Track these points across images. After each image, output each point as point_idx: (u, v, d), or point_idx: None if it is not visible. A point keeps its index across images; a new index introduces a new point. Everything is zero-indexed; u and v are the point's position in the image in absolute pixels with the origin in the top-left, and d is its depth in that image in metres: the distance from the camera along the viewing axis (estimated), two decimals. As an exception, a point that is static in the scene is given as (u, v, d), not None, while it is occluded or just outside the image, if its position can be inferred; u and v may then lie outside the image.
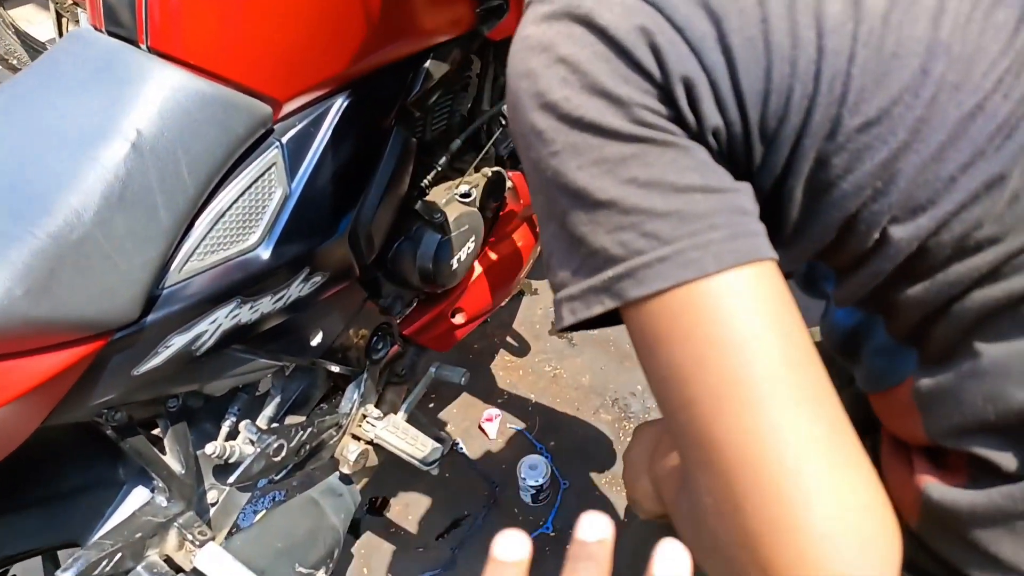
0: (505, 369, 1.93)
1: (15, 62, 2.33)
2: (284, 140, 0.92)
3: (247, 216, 0.90)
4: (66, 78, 0.83)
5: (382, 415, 1.28)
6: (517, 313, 2.03)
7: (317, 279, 1.01)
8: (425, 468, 1.24)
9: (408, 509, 1.68)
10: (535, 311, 2.03)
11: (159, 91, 0.80)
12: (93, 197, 0.75)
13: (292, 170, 0.93)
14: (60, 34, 2.22)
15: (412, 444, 1.23)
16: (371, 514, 1.66)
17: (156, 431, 1.00)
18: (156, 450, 0.97)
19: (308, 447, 1.15)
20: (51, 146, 0.77)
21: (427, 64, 1.06)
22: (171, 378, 0.90)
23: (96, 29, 0.88)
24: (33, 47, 2.40)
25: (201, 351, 0.90)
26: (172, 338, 0.86)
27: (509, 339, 1.98)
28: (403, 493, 1.70)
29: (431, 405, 1.81)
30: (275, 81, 0.90)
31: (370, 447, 1.28)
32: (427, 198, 1.25)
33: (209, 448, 1.03)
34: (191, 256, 0.86)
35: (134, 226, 0.78)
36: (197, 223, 0.86)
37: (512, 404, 1.85)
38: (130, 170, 0.77)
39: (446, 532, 1.63)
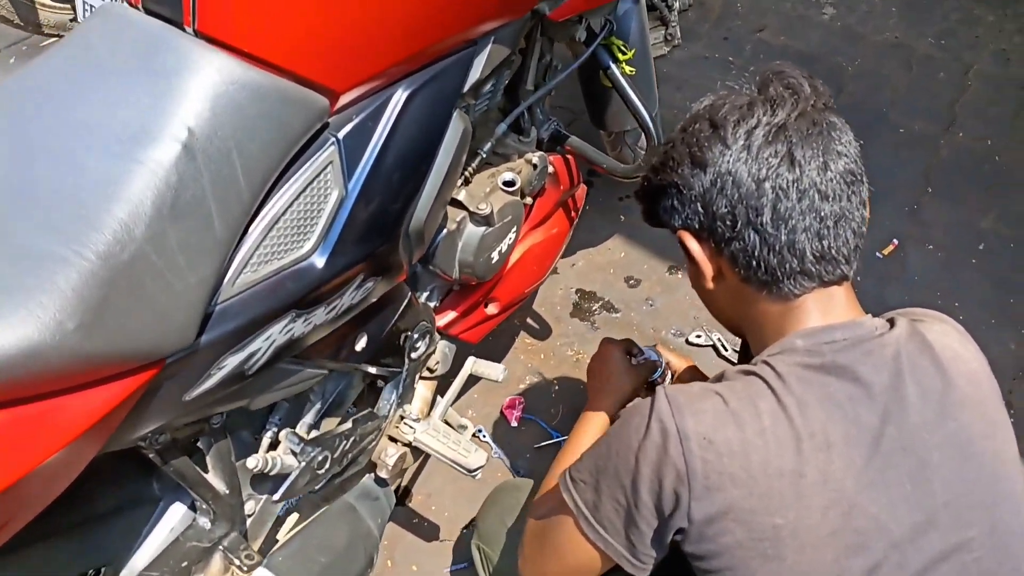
0: (527, 352, 1.88)
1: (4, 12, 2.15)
2: (341, 136, 0.83)
3: (302, 221, 0.82)
4: (102, 64, 0.72)
5: (420, 416, 1.22)
6: (537, 294, 1.96)
7: (370, 285, 0.94)
8: (468, 474, 1.18)
9: (431, 499, 1.63)
10: (555, 292, 1.97)
11: (210, 83, 0.71)
12: (144, 208, 0.66)
13: (349, 169, 0.85)
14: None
15: (455, 449, 1.17)
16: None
17: (197, 444, 0.92)
18: (199, 469, 0.90)
19: (350, 455, 1.09)
20: (91, 146, 0.68)
21: (488, 48, 0.97)
22: (221, 399, 0.83)
23: (130, 5, 0.77)
24: None
25: (253, 370, 0.82)
26: (226, 359, 0.78)
27: (530, 320, 1.92)
28: (425, 482, 1.65)
29: (438, 382, 1.74)
30: (333, 70, 0.81)
31: (408, 449, 1.22)
32: (470, 187, 1.18)
33: (251, 462, 0.96)
34: (244, 268, 0.77)
35: (188, 239, 0.69)
36: (250, 230, 0.77)
37: (535, 390, 1.80)
38: (182, 176, 0.68)
39: (472, 523, 1.58)
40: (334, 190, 0.84)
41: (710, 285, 0.83)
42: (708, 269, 0.82)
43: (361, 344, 1.03)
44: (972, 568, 0.71)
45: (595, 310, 1.95)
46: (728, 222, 0.77)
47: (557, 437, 1.70)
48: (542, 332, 1.91)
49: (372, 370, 1.11)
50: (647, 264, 2.04)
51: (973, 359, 0.79)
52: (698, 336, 1.87)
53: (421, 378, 1.33)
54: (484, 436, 1.71)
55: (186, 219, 0.69)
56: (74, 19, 2.33)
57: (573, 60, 1.40)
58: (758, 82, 0.82)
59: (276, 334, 0.82)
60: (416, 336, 1.17)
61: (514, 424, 1.73)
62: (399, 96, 0.87)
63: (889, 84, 2.48)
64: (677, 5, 1.57)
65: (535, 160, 1.28)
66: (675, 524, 0.73)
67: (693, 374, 1.34)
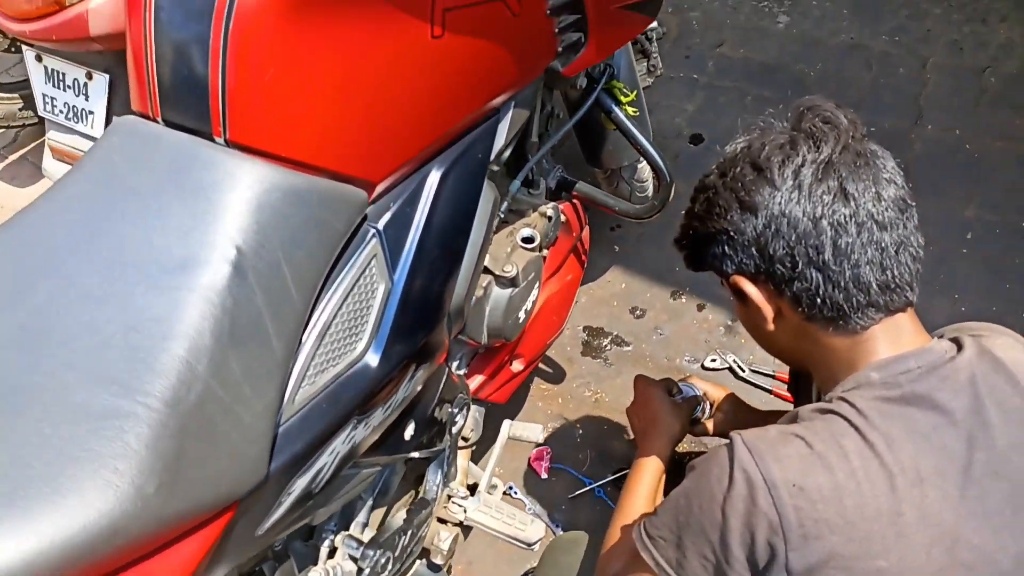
0: (544, 399, 1.84)
1: None
2: (381, 226, 0.80)
3: (353, 321, 0.78)
4: (131, 187, 0.68)
5: (466, 492, 1.17)
6: (546, 337, 1.92)
7: (420, 374, 0.90)
8: (527, 548, 1.13)
9: (472, 568, 1.57)
10: (563, 333, 1.93)
11: (251, 194, 0.67)
12: (203, 340, 0.61)
13: (392, 259, 0.81)
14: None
15: (510, 524, 1.13)
16: (433, 579, 1.54)
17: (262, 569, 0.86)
18: (265, 598, 0.84)
19: (409, 549, 1.03)
20: (135, 281, 0.63)
21: (510, 113, 0.95)
22: (289, 524, 0.77)
23: (147, 118, 0.72)
24: None
25: (320, 487, 0.77)
26: (295, 483, 0.73)
27: (543, 366, 1.88)
28: (463, 550, 1.58)
29: (474, 449, 1.69)
30: (368, 161, 0.77)
31: (459, 529, 1.17)
32: (491, 249, 1.14)
33: (313, 575, 0.90)
34: (303, 382, 0.73)
35: (250, 364, 0.65)
36: (304, 341, 0.73)
37: (559, 437, 1.76)
38: (236, 298, 0.64)
39: (518, 586, 1.53)
40: (380, 283, 0.80)
41: (770, 327, 0.82)
42: (768, 312, 0.80)
43: (409, 432, 0.98)
44: None
45: (606, 346, 1.93)
46: (788, 264, 0.76)
47: (590, 484, 1.66)
48: (557, 376, 1.87)
49: (417, 454, 1.06)
50: (649, 292, 2.03)
51: None
52: (713, 360, 1.85)
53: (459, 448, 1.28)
54: (515, 493, 1.66)
55: (246, 344, 0.64)
56: (24, 108, 2.26)
57: (567, 104, 1.39)
58: (791, 118, 0.81)
59: (340, 445, 0.78)
60: (456, 411, 1.13)
61: (544, 476, 1.68)
62: (433, 177, 0.84)
63: (853, 85, 2.52)
64: (655, 35, 1.57)
65: (549, 212, 1.26)
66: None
67: (733, 403, 1.32)
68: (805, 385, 1.06)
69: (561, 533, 1.55)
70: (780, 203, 0.75)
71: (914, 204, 0.78)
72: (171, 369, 0.59)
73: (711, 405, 1.30)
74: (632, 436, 1.26)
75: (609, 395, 1.82)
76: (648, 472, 1.09)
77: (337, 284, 0.75)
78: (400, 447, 0.98)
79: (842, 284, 0.74)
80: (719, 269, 0.83)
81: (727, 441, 0.75)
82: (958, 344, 0.78)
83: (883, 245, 0.74)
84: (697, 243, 0.86)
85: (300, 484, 0.73)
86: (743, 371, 1.82)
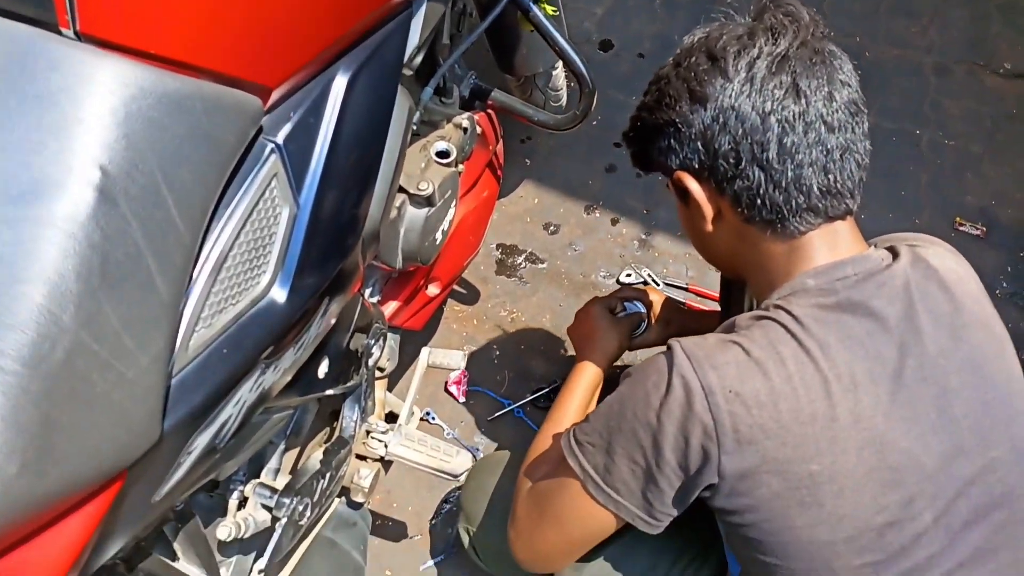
0: (459, 321, 1.78)
1: None
2: (280, 140, 0.69)
3: (254, 252, 0.68)
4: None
5: (387, 427, 1.11)
6: (458, 257, 1.86)
7: (334, 307, 0.81)
8: (453, 479, 1.09)
9: (391, 496, 1.53)
10: (479, 251, 1.86)
11: (114, 100, 0.54)
12: (66, 284, 0.50)
13: (297, 178, 0.71)
14: None
15: (434, 456, 1.08)
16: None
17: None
18: (169, 562, 0.75)
19: (329, 492, 0.97)
20: (-30, 213, 0.50)
21: (424, 7, 0.83)
22: (192, 483, 0.68)
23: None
24: None
25: (225, 441, 0.68)
26: (195, 440, 0.64)
27: (456, 287, 1.81)
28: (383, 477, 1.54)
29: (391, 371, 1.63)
30: (261, 61, 0.65)
31: (380, 465, 1.12)
32: (405, 165, 1.04)
33: (223, 531, 0.83)
34: (197, 325, 0.63)
35: (129, 310, 0.54)
36: (196, 278, 0.62)
37: (475, 359, 1.72)
38: (106, 231, 0.53)
39: (437, 513, 1.51)
40: (283, 207, 0.70)
41: (709, 228, 0.81)
42: (708, 210, 0.80)
43: (323, 369, 0.90)
44: (997, 487, 0.74)
45: (520, 264, 1.88)
46: (731, 160, 0.75)
47: (508, 405, 1.64)
48: (470, 297, 1.82)
49: (332, 391, 0.98)
50: (562, 207, 1.98)
51: (971, 278, 0.81)
52: (628, 275, 1.85)
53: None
54: (433, 418, 1.62)
55: (122, 285, 0.54)
56: None
57: (478, 2, 1.27)
58: (753, 10, 0.78)
59: (246, 393, 0.69)
60: (371, 342, 1.05)
61: (462, 400, 1.66)
62: (340, 81, 0.73)
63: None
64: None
65: (464, 123, 1.17)
66: (703, 481, 0.73)
67: (670, 308, 1.32)
68: (737, 296, 1.08)
69: (483, 456, 1.55)
70: (731, 95, 0.73)
71: (867, 111, 0.77)
72: (28, 321, 0.48)
73: (651, 314, 1.30)
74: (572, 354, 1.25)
75: (525, 314, 1.80)
76: (581, 384, 1.09)
77: (232, 209, 0.65)
78: (314, 386, 0.90)
79: (783, 184, 0.73)
80: (664, 166, 0.82)
81: (665, 348, 0.75)
82: (893, 252, 0.78)
83: (829, 147, 0.73)
84: (645, 136, 0.83)
85: (202, 441, 0.64)
86: (658, 285, 1.82)
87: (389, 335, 1.24)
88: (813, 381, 0.70)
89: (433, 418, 1.62)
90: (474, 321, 1.78)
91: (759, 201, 0.75)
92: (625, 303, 1.24)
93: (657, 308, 1.30)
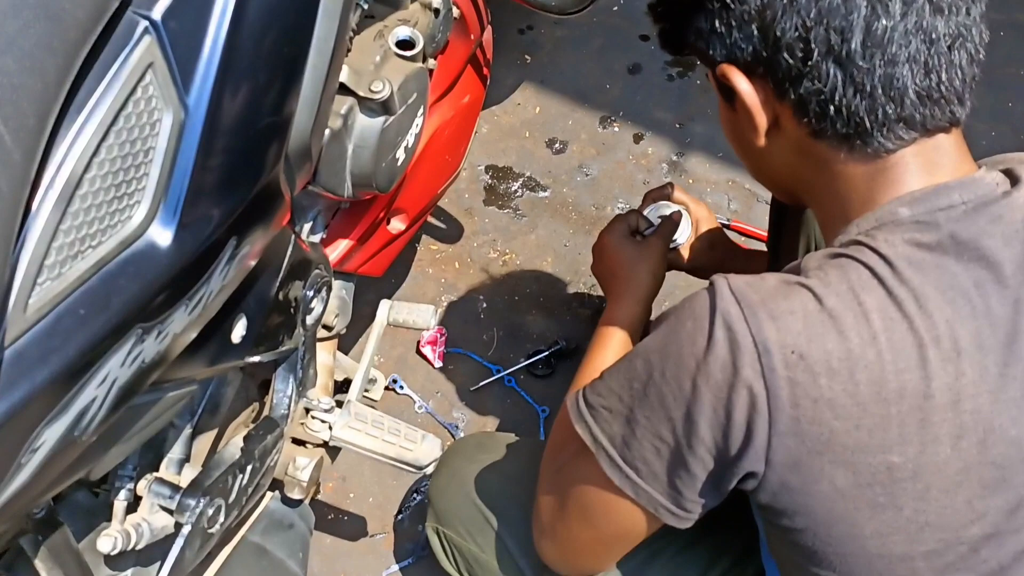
0: (435, 264, 1.74)
1: None
2: (157, 14, 0.62)
3: (122, 174, 0.62)
4: None
5: (332, 403, 1.06)
6: (436, 182, 1.81)
7: (245, 249, 0.75)
8: (420, 471, 1.05)
9: (347, 484, 1.50)
10: (459, 176, 1.80)
11: None
12: None
13: (185, 70, 0.65)
14: None
15: (392, 442, 1.04)
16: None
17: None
18: (27, 586, 0.70)
19: (251, 490, 0.92)
20: None
21: None
22: (46, 488, 0.63)
23: None
24: None
25: (90, 430, 0.62)
26: (42, 434, 0.58)
27: (433, 219, 1.77)
28: (332, 464, 1.51)
29: (343, 331, 1.59)
30: None
31: (324, 451, 1.08)
32: (351, 58, 0.98)
33: (104, 543, 0.78)
34: (40, 276, 0.56)
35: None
36: (36, 211, 0.55)
37: (457, 313, 1.69)
38: None
39: (404, 507, 1.48)
40: (165, 111, 0.63)
41: (761, 141, 0.77)
42: (761, 119, 0.76)
43: (240, 332, 0.85)
44: None
45: (516, 191, 1.84)
46: (799, 52, 0.70)
47: (498, 372, 1.61)
48: (451, 233, 1.79)
49: (256, 359, 0.92)
50: (571, 119, 1.93)
51: None
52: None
53: (319, 340, 1.16)
54: (402, 387, 1.60)
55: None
56: None
57: None
58: None
59: (116, 369, 0.62)
60: (311, 293, 0.99)
61: (438, 364, 1.64)
62: (243, -68, 0.64)
63: None
64: None
65: (435, 2, 1.08)
66: (744, 467, 0.70)
67: (714, 237, 1.29)
68: (790, 234, 1.06)
69: (462, 436, 1.52)
70: None
71: None
72: None
73: (693, 225, 1.27)
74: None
75: (520, 255, 1.77)
76: (612, 340, 1.07)
77: (87, 115, 0.58)
78: (226, 354, 0.84)
79: (868, 88, 0.69)
80: (703, 53, 0.78)
81: (707, 285, 0.72)
82: (1012, 177, 0.74)
83: (934, 37, 0.68)
84: (679, 9, 0.78)
85: (52, 433, 0.58)
86: (691, 220, 1.77)
87: (338, 284, 1.19)
88: (904, 344, 0.66)
89: (401, 387, 1.60)
90: (455, 264, 1.76)
91: (833, 110, 0.70)
92: (648, 212, 1.23)
93: (699, 216, 1.27)
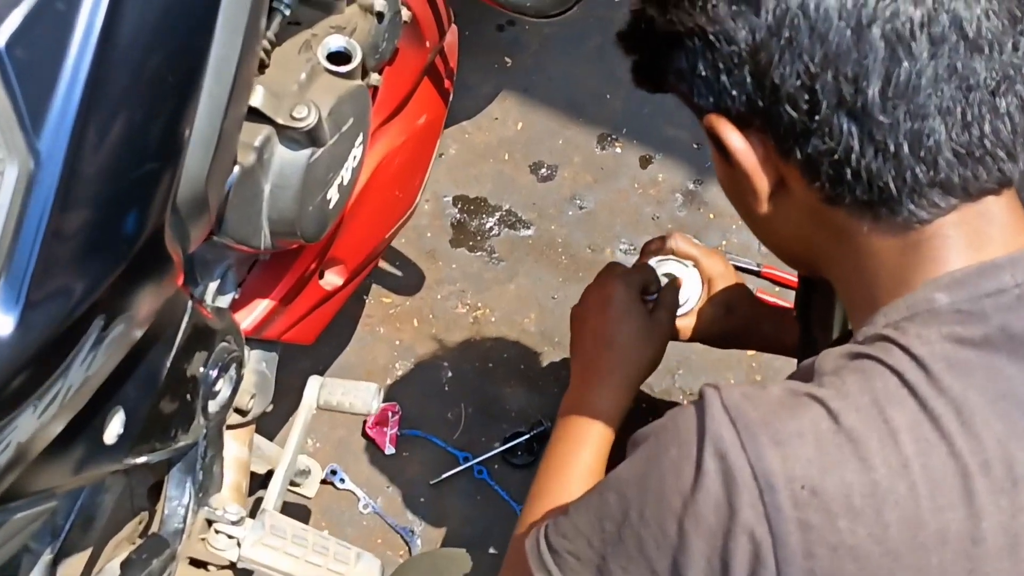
0: (388, 321, 1.75)
1: None
2: (0, 43, 0.63)
3: None
4: None
5: (242, 513, 1.06)
6: (391, 216, 1.84)
7: (119, 329, 0.76)
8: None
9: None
10: (420, 207, 1.82)
11: None
12: None
13: (35, 111, 0.65)
14: None
15: (319, 564, 1.04)
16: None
17: None
18: None
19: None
20: None
21: None
22: None
23: None
24: None
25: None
26: None
27: (384, 265, 1.79)
28: None
29: (268, 408, 1.58)
30: None
31: (230, 574, 1.07)
32: (268, 76, 1.00)
33: None
34: None
35: None
36: None
37: (414, 384, 1.70)
38: None
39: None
40: (8, 162, 0.65)
41: (763, 208, 0.78)
42: (762, 182, 0.76)
43: (115, 430, 0.86)
44: None
45: (491, 229, 1.86)
46: (803, 104, 0.70)
47: (467, 461, 1.62)
48: (409, 282, 1.81)
49: (141, 460, 0.92)
50: (562, 137, 1.96)
51: None
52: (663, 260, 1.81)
53: (228, 427, 1.19)
54: (342, 481, 1.61)
55: None
56: None
57: None
58: None
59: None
60: (215, 373, 1.00)
61: (390, 450, 1.65)
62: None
63: None
64: None
65: (376, 4, 1.11)
66: None
67: (734, 292, 1.30)
68: (822, 303, 1.06)
69: (420, 550, 1.54)
70: None
71: None
72: None
73: (705, 285, 1.29)
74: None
75: (496, 311, 1.79)
76: (591, 433, 1.09)
77: None
78: (98, 458, 0.85)
79: (892, 147, 0.69)
80: (687, 97, 0.79)
81: (694, 399, 0.72)
82: None
83: (972, 82, 0.68)
84: (654, 45, 0.80)
85: None
86: (709, 266, 1.80)
87: (256, 355, 1.22)
88: (944, 473, 0.65)
89: (342, 480, 1.61)
90: (413, 322, 1.77)
91: (850, 173, 0.70)
92: (659, 271, 1.24)
93: (714, 279, 1.29)
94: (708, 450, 0.67)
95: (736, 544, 0.66)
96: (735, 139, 0.75)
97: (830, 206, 0.74)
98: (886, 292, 0.74)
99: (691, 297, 1.24)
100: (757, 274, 1.77)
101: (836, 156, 0.70)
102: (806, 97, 0.69)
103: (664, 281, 1.23)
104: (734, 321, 1.28)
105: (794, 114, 0.70)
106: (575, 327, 1.23)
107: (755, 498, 0.65)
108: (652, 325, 1.17)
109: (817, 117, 0.70)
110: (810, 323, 1.07)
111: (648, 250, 1.28)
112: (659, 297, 1.21)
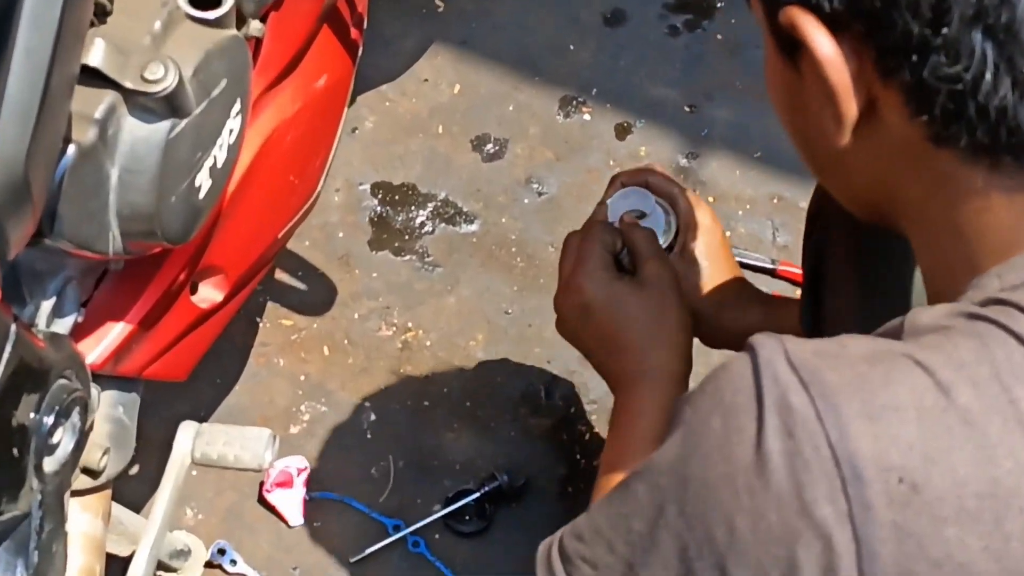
0: (289, 350, 1.77)
1: None
2: None
3: None
4: None
5: None
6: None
7: None
8: None
9: None
10: (329, 197, 1.85)
11: None
12: None
13: None
14: None
15: None
16: None
17: None
18: None
19: None
20: None
21: None
22: None
23: None
24: None
25: None
26: None
27: (283, 276, 1.80)
28: None
29: (134, 471, 1.60)
30: None
31: None
32: (111, 27, 1.02)
33: None
34: None
35: None
36: None
37: (326, 431, 1.72)
38: None
39: None
40: None
41: (844, 138, 0.79)
42: (850, 105, 0.77)
43: None
44: None
45: (422, 226, 1.89)
46: (927, 10, 0.70)
47: (397, 530, 1.64)
48: (315, 298, 1.83)
49: None
50: (513, 101, 1.99)
51: None
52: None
53: (75, 493, 1.20)
54: (234, 563, 1.62)
55: None
56: None
57: None
58: None
59: None
60: (49, 421, 1.01)
61: (297, 521, 1.66)
62: None
63: None
64: None
65: None
66: None
67: (714, 266, 1.36)
68: (843, 284, 1.12)
69: None
70: None
71: None
72: None
73: (680, 237, 1.34)
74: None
75: (433, 331, 1.82)
76: (637, 429, 1.15)
77: None
78: None
79: None
80: None
81: (744, 350, 0.72)
82: None
83: None
84: None
85: None
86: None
87: (110, 397, 1.24)
88: None
89: (233, 562, 1.62)
90: (323, 349, 1.80)
91: (975, 108, 0.71)
92: (611, 213, 1.29)
93: (693, 229, 1.34)
94: (770, 422, 0.67)
95: (808, 553, 0.66)
96: (824, 44, 0.74)
97: (936, 147, 0.75)
98: (995, 252, 0.76)
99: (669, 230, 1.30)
100: (772, 273, 1.81)
101: (959, 84, 0.70)
102: (932, 2, 0.70)
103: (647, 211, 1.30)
104: (718, 299, 1.32)
105: (914, 22, 0.70)
106: (573, 343, 1.28)
107: (836, 490, 0.65)
108: (650, 292, 1.23)
109: (945, 31, 0.69)
110: (819, 314, 1.11)
111: (618, 179, 1.32)
112: (632, 252, 1.26)
